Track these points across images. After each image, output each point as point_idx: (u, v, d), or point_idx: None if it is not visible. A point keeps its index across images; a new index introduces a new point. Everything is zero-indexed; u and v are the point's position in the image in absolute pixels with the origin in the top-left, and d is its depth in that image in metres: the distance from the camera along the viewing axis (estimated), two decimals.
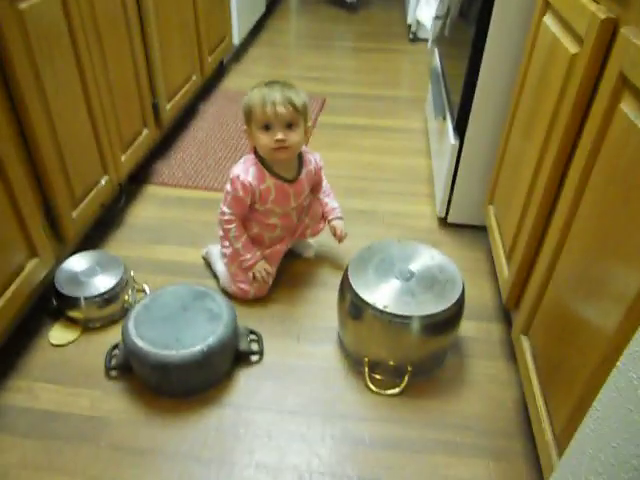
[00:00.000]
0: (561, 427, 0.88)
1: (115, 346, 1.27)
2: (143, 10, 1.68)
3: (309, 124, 1.36)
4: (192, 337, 1.18)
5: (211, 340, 1.17)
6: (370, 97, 2.58)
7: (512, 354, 1.30)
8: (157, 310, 1.25)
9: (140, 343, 1.16)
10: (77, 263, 1.39)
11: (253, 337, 1.32)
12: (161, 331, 1.19)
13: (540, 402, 0.97)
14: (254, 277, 1.41)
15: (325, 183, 1.54)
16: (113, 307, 1.36)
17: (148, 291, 1.45)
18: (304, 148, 1.42)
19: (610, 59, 0.86)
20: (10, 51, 1.09)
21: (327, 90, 2.62)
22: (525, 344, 1.10)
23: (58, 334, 1.33)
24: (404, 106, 2.52)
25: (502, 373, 1.27)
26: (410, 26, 3.24)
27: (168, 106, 1.95)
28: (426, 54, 3.00)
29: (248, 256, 1.40)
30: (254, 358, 1.29)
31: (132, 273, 1.45)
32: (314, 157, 1.46)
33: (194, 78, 2.21)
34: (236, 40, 2.80)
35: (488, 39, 1.41)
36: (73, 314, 1.34)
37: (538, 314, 1.07)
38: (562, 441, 0.87)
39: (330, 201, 1.54)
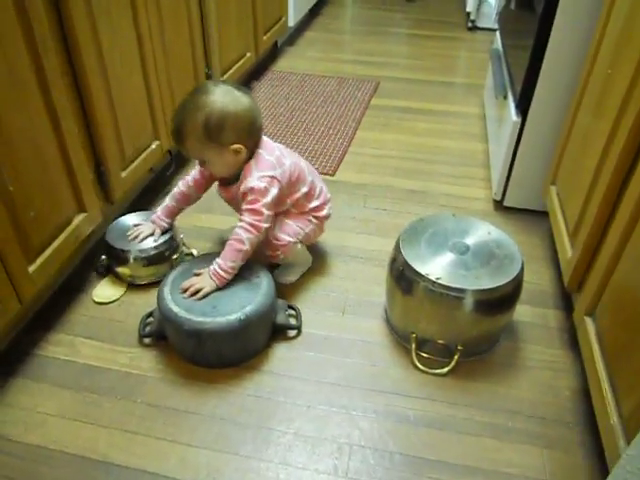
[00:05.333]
0: (630, 410, 0.80)
1: (150, 314, 1.24)
2: None
3: (233, 147, 1.15)
4: (229, 305, 1.14)
5: (249, 309, 1.13)
6: (425, 82, 2.51)
7: (570, 342, 1.22)
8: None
9: (175, 309, 1.13)
10: (130, 220, 1.39)
11: (291, 312, 1.28)
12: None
13: (605, 385, 0.89)
14: None
15: (236, 230, 1.18)
16: (160, 267, 1.34)
17: (196, 254, 1.43)
18: (251, 167, 1.19)
19: None
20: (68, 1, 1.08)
21: (380, 74, 2.56)
22: (590, 326, 1.02)
23: (102, 292, 1.32)
24: (460, 91, 2.44)
25: (559, 361, 1.19)
26: (469, 14, 3.14)
27: (221, 79, 1.94)
28: (485, 43, 2.90)
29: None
30: (292, 333, 1.25)
31: (182, 236, 1.43)
32: (248, 181, 1.18)
33: (248, 55, 2.19)
34: (291, 22, 2.77)
35: (559, 8, 1.33)
36: (121, 270, 1.34)
37: (605, 294, 1.00)
38: (631, 424, 0.79)
39: (220, 256, 1.18)
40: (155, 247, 1.32)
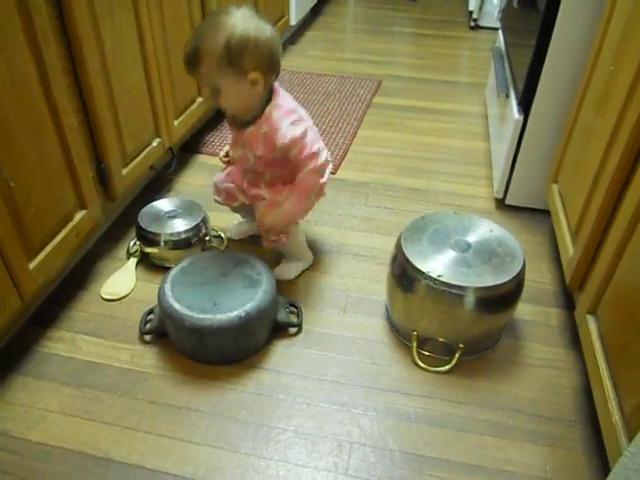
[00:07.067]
0: (632, 408, 0.80)
1: (151, 310, 1.24)
2: None
3: (252, 73, 1.07)
4: (230, 302, 1.14)
5: (249, 306, 1.13)
6: (427, 81, 2.50)
7: (571, 341, 1.22)
8: (195, 274, 1.21)
9: (176, 306, 1.13)
10: (161, 206, 1.45)
11: (292, 309, 1.27)
12: (198, 295, 1.16)
13: (607, 382, 0.89)
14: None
15: (300, 177, 1.18)
16: (187, 251, 1.36)
17: (224, 237, 1.49)
18: (273, 110, 1.13)
19: None
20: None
21: (383, 72, 2.56)
22: (592, 324, 1.02)
23: (110, 289, 1.32)
24: (463, 90, 2.43)
25: (560, 359, 1.19)
26: (471, 13, 3.14)
27: None
28: (487, 42, 2.90)
29: None
30: (292, 330, 1.24)
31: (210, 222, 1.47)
32: (278, 129, 1.13)
33: None
34: (293, 21, 2.77)
35: (561, 7, 1.32)
36: (151, 250, 1.38)
37: (607, 292, 0.99)
38: (633, 422, 0.79)
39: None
40: (185, 231, 1.38)
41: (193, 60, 1.06)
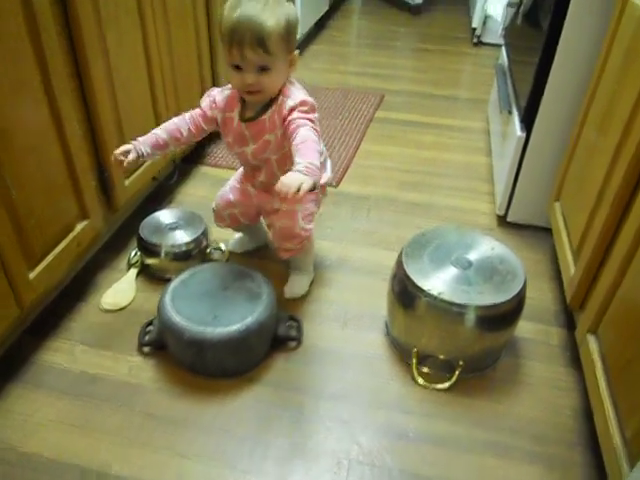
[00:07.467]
0: (633, 432, 0.79)
1: (150, 322, 1.23)
2: None
3: (295, 53, 1.09)
4: (230, 316, 1.13)
5: (249, 320, 1.12)
6: (430, 96, 2.51)
7: (572, 360, 1.21)
8: (196, 286, 1.21)
9: (176, 318, 1.12)
10: (163, 217, 1.45)
11: (292, 323, 1.26)
12: (198, 308, 1.15)
13: (608, 404, 0.88)
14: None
15: (304, 132, 1.06)
16: (188, 263, 1.35)
17: (224, 249, 1.49)
18: (290, 90, 1.13)
19: None
20: (77, 4, 1.08)
21: (385, 87, 2.57)
22: (592, 344, 1.01)
23: (110, 300, 1.32)
24: (465, 106, 2.44)
25: (561, 379, 1.18)
26: (475, 30, 3.16)
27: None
28: (490, 58, 2.91)
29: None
30: (292, 344, 1.23)
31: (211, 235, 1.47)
32: (291, 98, 1.11)
33: None
34: (298, 34, 2.78)
35: (565, 26, 1.33)
36: (151, 261, 1.39)
37: (609, 312, 0.99)
38: (634, 446, 0.78)
39: (299, 156, 1.02)
40: (186, 243, 1.38)
41: (260, 38, 1.00)
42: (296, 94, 1.12)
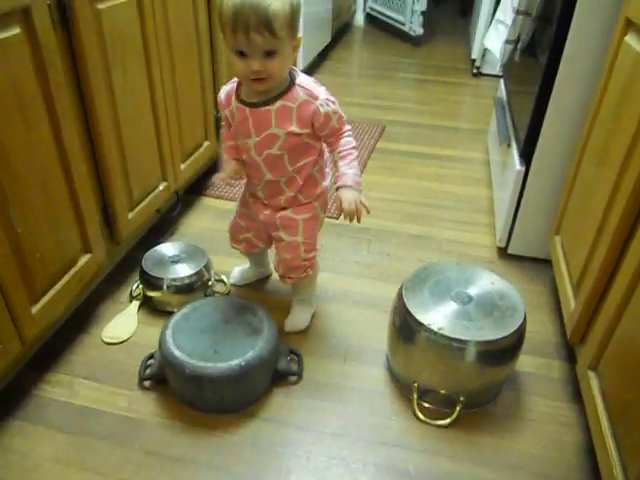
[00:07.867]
0: (636, 473, 0.78)
1: (151, 356, 1.24)
2: (214, 24, 1.72)
3: (298, 37, 1.06)
4: (231, 350, 1.14)
5: (250, 355, 1.13)
6: (430, 127, 2.54)
7: (574, 394, 1.20)
8: (197, 320, 1.22)
9: (176, 353, 1.13)
10: (165, 250, 1.46)
11: (293, 357, 1.26)
12: (199, 342, 1.16)
13: (610, 444, 0.88)
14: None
15: (345, 141, 1.13)
16: (190, 296, 1.37)
17: (226, 281, 1.50)
18: (304, 80, 1.11)
19: None
20: (85, 47, 1.11)
21: (387, 118, 2.60)
22: (593, 380, 1.01)
23: (111, 333, 1.32)
24: (465, 137, 2.47)
25: (562, 414, 1.17)
26: (474, 61, 3.21)
27: None
28: (489, 89, 2.95)
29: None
30: (292, 379, 1.23)
31: (213, 267, 1.48)
32: (318, 96, 1.09)
33: None
34: (300, 66, 2.84)
35: (562, 60, 1.35)
36: (153, 294, 1.40)
37: (609, 348, 0.99)
38: None
39: (343, 165, 1.11)
40: (188, 276, 1.39)
41: (266, 21, 0.97)
42: (318, 90, 1.10)
